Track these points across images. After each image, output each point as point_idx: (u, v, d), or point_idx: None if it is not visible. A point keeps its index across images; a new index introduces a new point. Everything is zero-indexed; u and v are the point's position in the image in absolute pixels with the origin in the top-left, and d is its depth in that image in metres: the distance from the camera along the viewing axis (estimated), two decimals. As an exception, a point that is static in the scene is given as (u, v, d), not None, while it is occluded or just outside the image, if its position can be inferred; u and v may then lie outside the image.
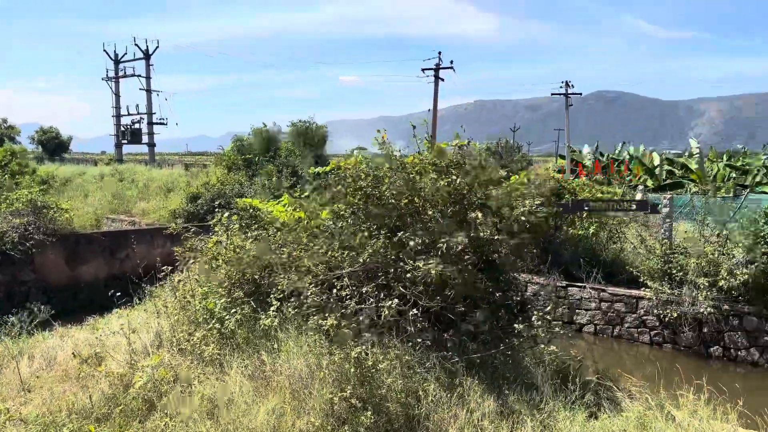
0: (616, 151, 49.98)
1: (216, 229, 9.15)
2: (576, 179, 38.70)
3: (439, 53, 46.17)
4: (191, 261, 8.82)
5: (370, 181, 8.21)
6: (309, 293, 7.09)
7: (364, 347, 6.32)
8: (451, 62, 46.33)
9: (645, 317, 14.70)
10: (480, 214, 8.60)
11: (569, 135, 46.38)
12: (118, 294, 9.09)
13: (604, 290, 15.37)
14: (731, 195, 25.47)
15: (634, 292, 14.87)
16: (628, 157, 45.40)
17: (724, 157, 42.20)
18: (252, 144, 30.05)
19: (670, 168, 36.43)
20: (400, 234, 7.65)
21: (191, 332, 7.46)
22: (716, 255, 13.53)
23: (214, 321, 7.29)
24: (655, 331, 14.56)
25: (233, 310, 7.29)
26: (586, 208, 21.53)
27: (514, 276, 9.59)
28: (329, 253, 7.62)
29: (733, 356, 13.47)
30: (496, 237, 8.37)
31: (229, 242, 8.39)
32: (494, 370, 7.06)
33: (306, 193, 9.93)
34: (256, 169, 27.33)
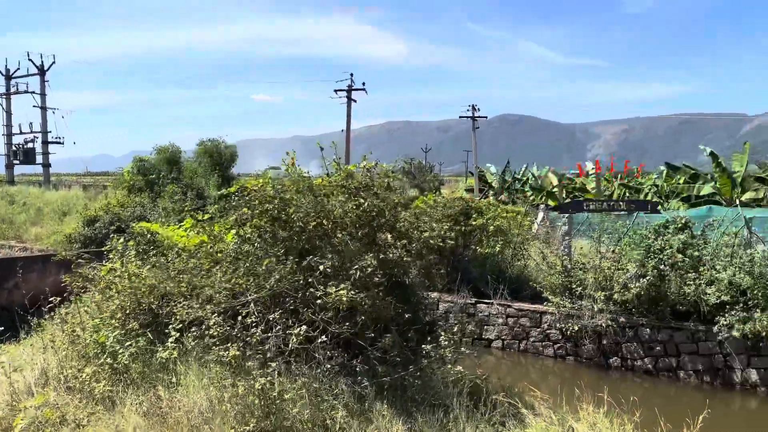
0: (520, 172, 52.28)
1: (111, 255, 8.60)
2: (483, 199, 40.01)
3: (351, 75, 46.66)
4: (83, 291, 8.23)
5: (277, 203, 8.01)
6: (211, 322, 6.76)
7: (269, 377, 6.08)
8: (363, 84, 46.93)
9: (548, 331, 15.26)
10: (389, 237, 8.61)
11: (477, 156, 47.99)
12: (1, 329, 8.34)
13: (510, 306, 15.84)
14: (625, 212, 27.18)
15: (538, 307, 15.42)
16: (531, 177, 47.59)
17: (619, 177, 45.17)
18: (155, 164, 28.81)
19: (568, 188, 38.45)
20: (309, 258, 7.49)
21: (81, 368, 6.91)
22: (612, 270, 14.30)
23: (105, 355, 6.79)
24: (558, 345, 15.13)
25: (127, 343, 6.83)
26: (586, 208, 22.24)
27: (424, 296, 9.66)
28: (233, 279, 7.33)
29: (630, 366, 14.21)
30: (405, 259, 8.40)
31: (123, 270, 7.89)
32: (404, 393, 7.02)
33: (209, 216, 9.55)
34: (159, 191, 26.18)
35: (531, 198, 40.16)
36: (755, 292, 12.63)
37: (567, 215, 15.99)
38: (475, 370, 8.70)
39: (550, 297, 14.95)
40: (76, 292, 8.34)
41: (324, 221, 8.11)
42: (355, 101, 46.22)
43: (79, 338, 7.36)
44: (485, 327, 16.27)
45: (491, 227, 16.47)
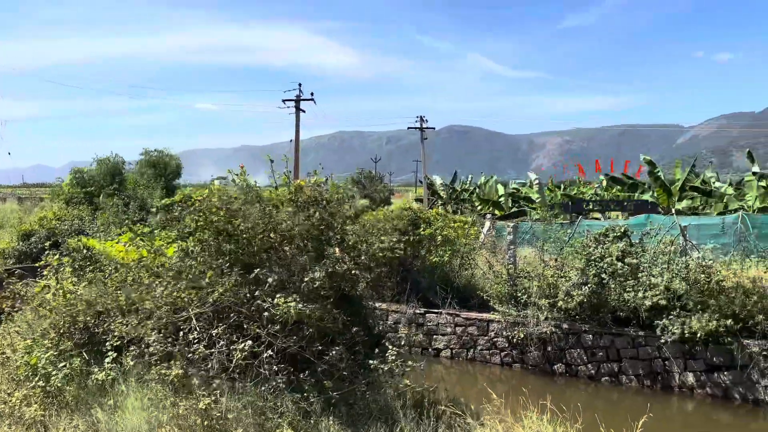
0: (467, 182, 53.06)
1: (45, 272, 8.21)
2: (431, 209, 40.36)
3: (300, 85, 46.32)
4: (14, 309, 7.82)
5: (223, 214, 7.82)
6: (151, 339, 6.53)
7: (213, 396, 5.91)
8: (312, 94, 46.59)
9: (495, 339, 15.47)
10: (338, 250, 8.55)
11: (426, 166, 48.44)
12: None
13: (458, 315, 15.98)
14: (568, 221, 27.96)
15: (485, 315, 15.62)
16: (477, 187, 48.36)
17: (561, 188, 46.42)
18: (94, 175, 27.79)
19: (514, 198, 39.27)
20: (256, 271, 7.34)
21: (10, 392, 6.55)
22: (555, 278, 14.64)
23: (37, 378, 6.45)
24: (505, 352, 15.36)
25: (61, 364, 6.51)
26: (586, 209, 22.39)
27: (373, 308, 9.62)
28: (175, 293, 7.11)
29: (574, 372, 14.55)
30: (353, 272, 8.35)
31: (58, 287, 7.54)
32: (351, 407, 6.95)
33: (149, 229, 9.24)
34: (99, 204, 25.26)
35: (479, 208, 40.79)
36: (691, 297, 13.18)
37: (512, 225, 16.30)
38: (423, 380, 8.69)
39: (496, 305, 15.18)
40: (6, 311, 7.93)
41: (272, 234, 7.99)
42: (303, 111, 45.83)
43: (8, 360, 6.98)
44: (434, 337, 16.36)
45: (439, 237, 16.61)
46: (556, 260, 15.13)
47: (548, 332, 14.42)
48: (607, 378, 14.18)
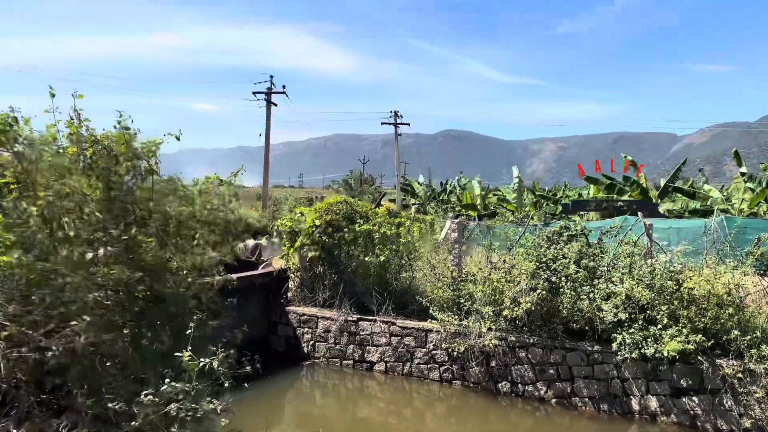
0: (451, 184, 51.20)
1: None
2: (404, 209, 38.34)
3: (271, 77, 44.45)
4: None
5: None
6: None
7: None
8: (284, 87, 44.65)
9: (434, 352, 13.41)
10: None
11: (398, 164, 46.57)
12: None
13: (394, 323, 13.92)
14: (542, 222, 26.01)
15: (424, 324, 13.56)
16: (456, 188, 46.44)
17: (545, 189, 44.41)
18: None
19: (490, 197, 37.32)
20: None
21: None
22: (502, 282, 12.60)
23: None
24: (445, 367, 13.29)
25: None
26: (586, 208, 20.62)
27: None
28: None
29: (521, 392, 12.49)
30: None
31: None
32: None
33: None
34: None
35: (458, 209, 38.86)
36: (656, 307, 11.17)
37: (456, 220, 14.25)
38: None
39: (436, 313, 13.13)
40: None
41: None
42: (275, 105, 43.81)
43: None
44: (367, 348, 14.27)
45: (376, 235, 14.54)
46: (504, 261, 13.05)
47: (491, 345, 12.37)
48: (557, 400, 12.14)
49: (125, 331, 4.99)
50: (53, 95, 5.49)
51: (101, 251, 4.72)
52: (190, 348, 5.11)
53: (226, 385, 5.58)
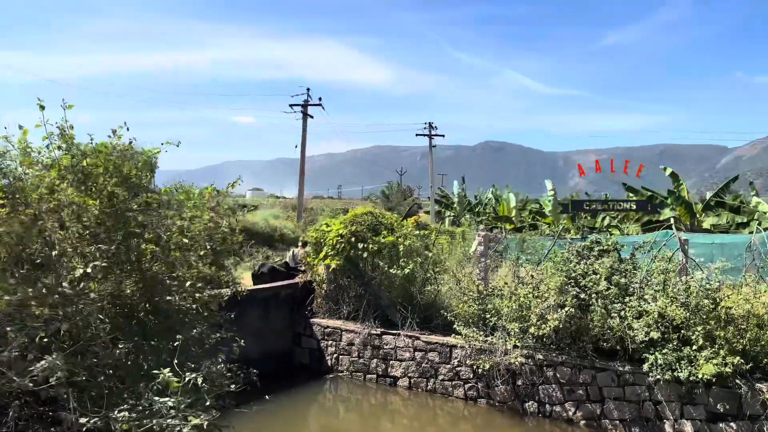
0: (486, 195, 50.52)
1: None
2: (437, 222, 37.98)
3: (308, 90, 44.90)
4: None
5: None
6: None
7: None
8: (320, 99, 45.11)
9: (459, 368, 13.08)
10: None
11: (432, 176, 46.27)
12: None
13: (418, 338, 13.65)
14: (579, 236, 25.32)
15: (448, 339, 13.26)
16: (492, 200, 45.80)
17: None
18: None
19: (527, 210, 36.62)
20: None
21: None
22: (529, 298, 12.20)
23: None
24: (470, 384, 12.94)
25: None
26: (586, 208, 20.49)
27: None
28: None
29: (548, 412, 12.03)
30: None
31: None
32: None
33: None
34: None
35: (490, 221, 38.27)
36: (691, 327, 10.61)
37: (482, 234, 13.93)
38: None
39: (461, 328, 12.81)
40: None
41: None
42: (311, 117, 44.23)
43: None
44: (391, 362, 14.04)
45: (401, 247, 14.33)
46: (532, 276, 12.66)
47: (518, 363, 11.98)
48: (586, 422, 11.64)
49: (120, 346, 4.91)
50: (42, 108, 5.52)
51: (90, 268, 4.66)
52: (189, 362, 5.02)
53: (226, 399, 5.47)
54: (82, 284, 4.71)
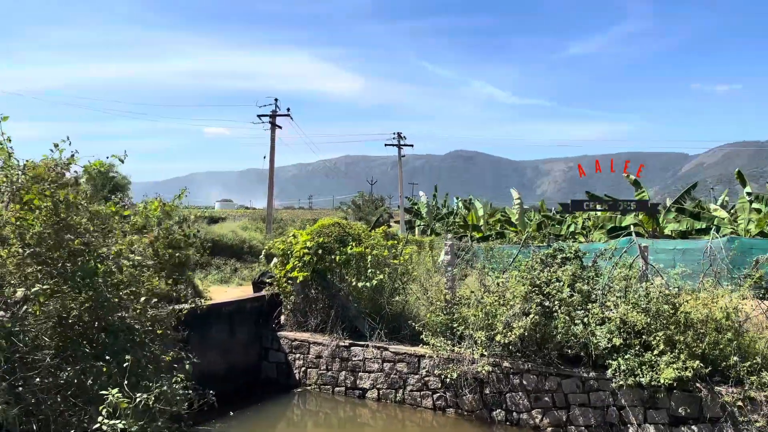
0: (450, 203, 50.93)
1: None
2: (406, 232, 38.05)
3: (276, 100, 44.68)
4: None
5: None
6: None
7: None
8: (288, 109, 44.91)
9: (427, 378, 13.07)
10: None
11: (402, 186, 46.46)
12: None
13: (386, 349, 13.61)
14: (544, 244, 25.66)
15: (417, 349, 13.26)
16: (460, 208, 46.15)
17: (553, 211, 43.99)
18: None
19: (495, 218, 37.00)
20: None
21: None
22: (495, 306, 12.29)
23: None
24: (438, 394, 12.95)
25: None
26: (586, 208, 20.62)
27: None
28: None
29: (515, 420, 12.10)
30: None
31: None
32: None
33: None
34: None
35: (461, 230, 38.53)
36: (652, 332, 10.80)
37: (450, 243, 14.01)
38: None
39: (429, 338, 12.82)
40: None
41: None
42: (280, 127, 43.99)
43: None
44: (359, 374, 13.96)
45: (369, 257, 14.31)
46: (498, 285, 12.76)
47: (485, 372, 12.04)
48: (553, 429, 11.74)
49: (68, 369, 4.75)
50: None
51: (31, 292, 4.52)
52: (147, 381, 4.90)
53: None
54: (25, 307, 4.57)
